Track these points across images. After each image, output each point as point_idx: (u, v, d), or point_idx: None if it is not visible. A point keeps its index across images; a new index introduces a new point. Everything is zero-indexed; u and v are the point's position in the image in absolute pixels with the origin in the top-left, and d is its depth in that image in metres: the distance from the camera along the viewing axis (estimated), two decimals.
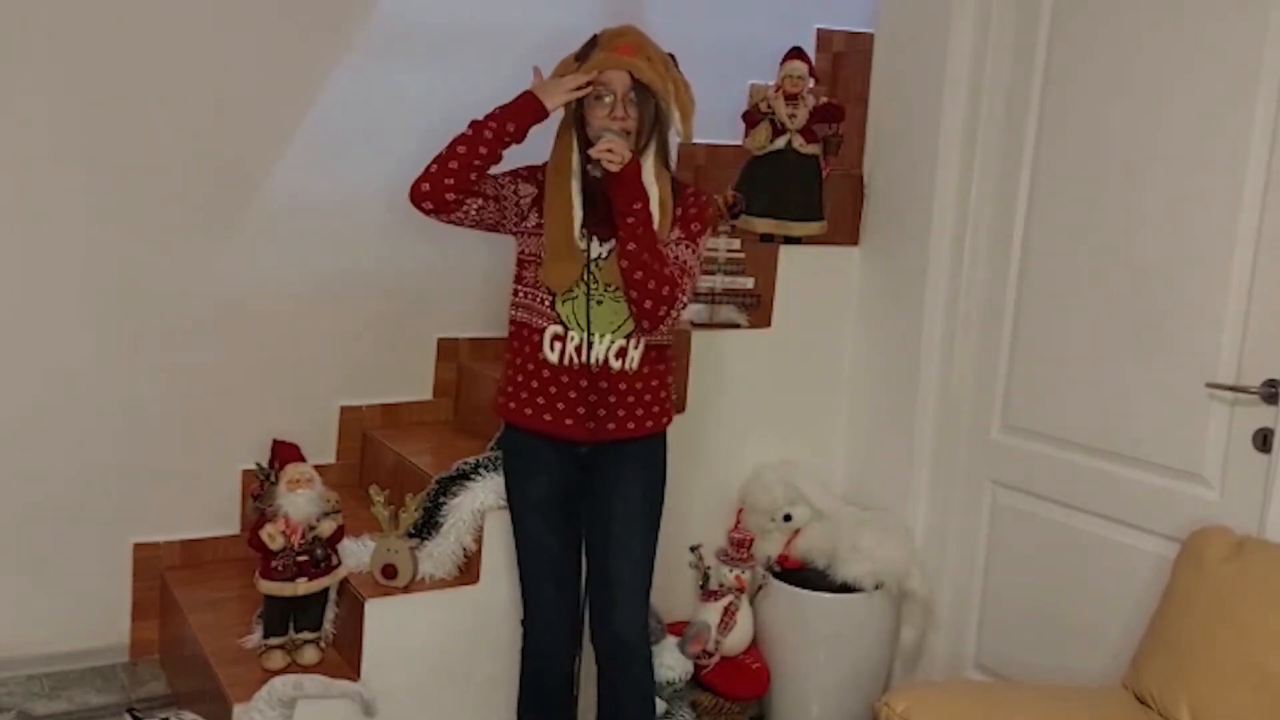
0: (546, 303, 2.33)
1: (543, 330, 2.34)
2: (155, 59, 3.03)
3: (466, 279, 3.59)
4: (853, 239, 3.25)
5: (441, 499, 2.81)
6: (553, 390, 2.34)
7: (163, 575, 3.19)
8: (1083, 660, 2.71)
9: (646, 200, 2.27)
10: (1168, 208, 2.53)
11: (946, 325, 3.04)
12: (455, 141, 2.31)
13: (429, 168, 2.32)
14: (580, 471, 2.41)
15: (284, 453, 2.76)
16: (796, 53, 3.13)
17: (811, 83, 3.11)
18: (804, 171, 3.11)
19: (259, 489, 3.06)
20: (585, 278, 2.31)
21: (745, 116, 3.17)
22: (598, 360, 2.32)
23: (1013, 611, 2.91)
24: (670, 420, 2.46)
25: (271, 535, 2.60)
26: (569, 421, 2.34)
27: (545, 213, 2.34)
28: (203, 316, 3.19)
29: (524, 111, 2.31)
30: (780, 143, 3.08)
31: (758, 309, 3.13)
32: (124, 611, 3.19)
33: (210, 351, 3.22)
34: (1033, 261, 2.84)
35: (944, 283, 3.04)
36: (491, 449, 2.81)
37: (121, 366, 3.10)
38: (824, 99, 3.19)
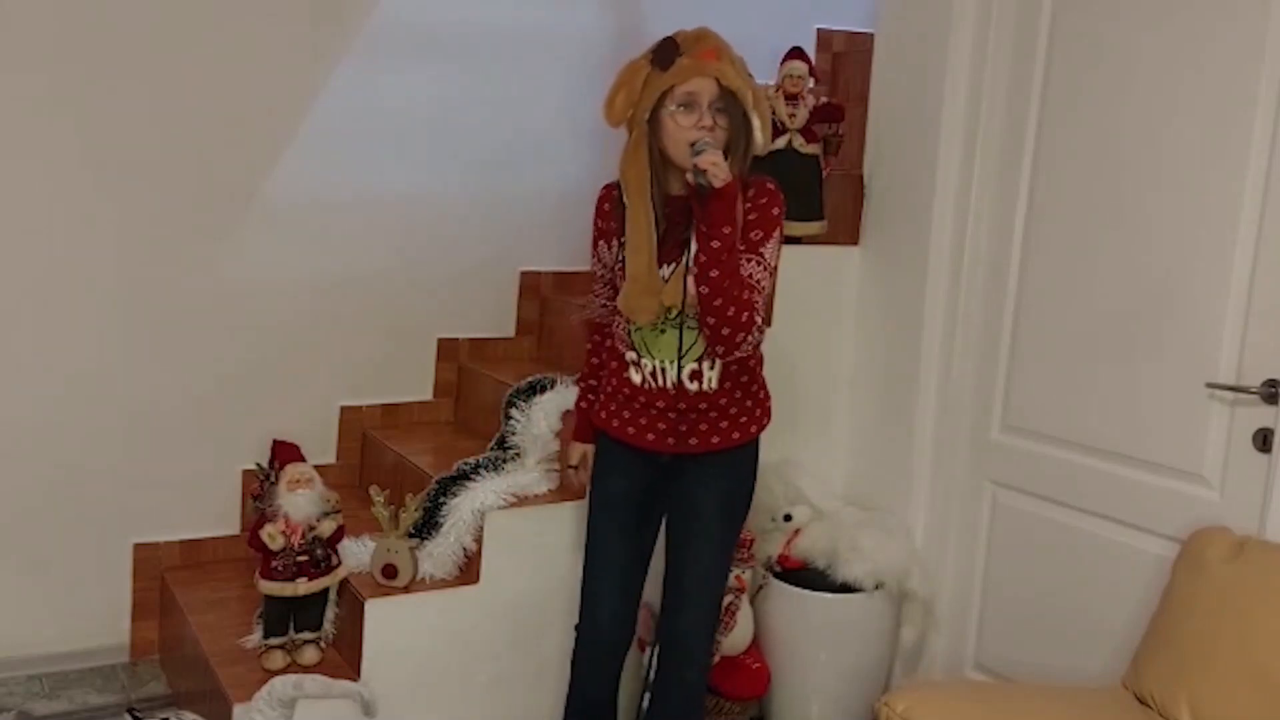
0: (624, 329, 2.35)
1: (623, 355, 2.36)
2: (153, 59, 3.03)
3: (467, 279, 3.59)
4: (853, 239, 3.25)
5: (441, 499, 2.81)
6: (637, 405, 2.36)
7: (163, 575, 3.19)
8: (1083, 660, 2.71)
9: (736, 226, 2.16)
10: (1168, 207, 2.53)
11: (946, 325, 3.04)
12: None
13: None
14: (661, 479, 2.40)
15: (284, 453, 2.76)
16: (796, 53, 3.13)
17: (811, 83, 3.11)
18: (804, 171, 3.10)
19: (259, 489, 3.06)
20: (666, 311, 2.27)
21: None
22: (674, 384, 2.30)
23: (1013, 612, 2.91)
24: (760, 427, 2.41)
25: (272, 535, 2.60)
26: (650, 436, 2.35)
27: (627, 240, 2.24)
28: (203, 317, 3.19)
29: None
30: (780, 143, 3.08)
31: None
32: (124, 611, 3.19)
33: (210, 352, 3.22)
34: (1033, 261, 2.84)
35: (944, 282, 3.04)
36: None
37: (121, 367, 3.10)
38: (824, 99, 3.19)
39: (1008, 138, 2.90)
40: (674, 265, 2.25)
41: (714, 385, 2.31)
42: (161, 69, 3.04)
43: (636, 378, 2.35)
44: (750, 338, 2.21)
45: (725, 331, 2.17)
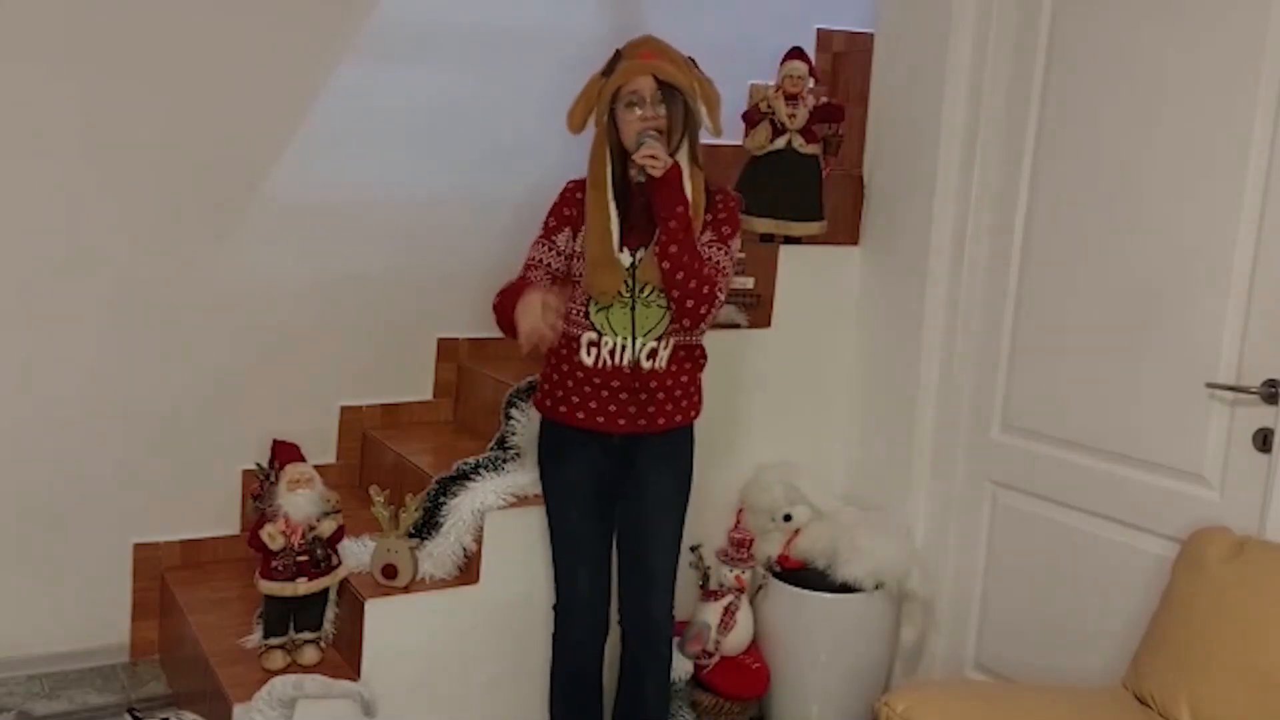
0: (581, 313, 2.44)
1: (578, 337, 2.44)
2: (154, 59, 3.03)
3: (466, 279, 3.59)
4: (853, 239, 3.25)
5: (441, 499, 2.81)
6: (587, 389, 2.45)
7: (163, 575, 3.19)
8: (1083, 660, 2.71)
9: (687, 204, 2.36)
10: (1168, 207, 2.53)
11: (946, 325, 3.04)
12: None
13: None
14: (614, 462, 2.50)
15: (284, 453, 2.76)
16: (796, 53, 3.13)
17: (811, 83, 3.11)
18: (804, 171, 3.11)
19: (259, 489, 3.07)
20: (627, 286, 2.40)
21: (745, 116, 3.17)
22: (632, 361, 2.42)
23: (1013, 612, 2.91)
24: (697, 414, 2.56)
25: (272, 535, 2.60)
26: (601, 419, 2.45)
27: (586, 226, 2.43)
28: (203, 317, 3.19)
29: (506, 326, 2.36)
30: (780, 143, 3.08)
31: (758, 309, 3.13)
32: (124, 611, 3.19)
33: (211, 352, 3.22)
34: (1033, 261, 2.84)
35: (944, 283, 3.04)
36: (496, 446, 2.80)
37: (122, 367, 3.10)
38: (824, 99, 3.19)
39: (1008, 138, 2.90)
40: (647, 248, 2.41)
41: (664, 365, 2.45)
42: (162, 69, 3.04)
43: (589, 359, 2.43)
44: (713, 311, 2.39)
45: (689, 304, 2.35)
